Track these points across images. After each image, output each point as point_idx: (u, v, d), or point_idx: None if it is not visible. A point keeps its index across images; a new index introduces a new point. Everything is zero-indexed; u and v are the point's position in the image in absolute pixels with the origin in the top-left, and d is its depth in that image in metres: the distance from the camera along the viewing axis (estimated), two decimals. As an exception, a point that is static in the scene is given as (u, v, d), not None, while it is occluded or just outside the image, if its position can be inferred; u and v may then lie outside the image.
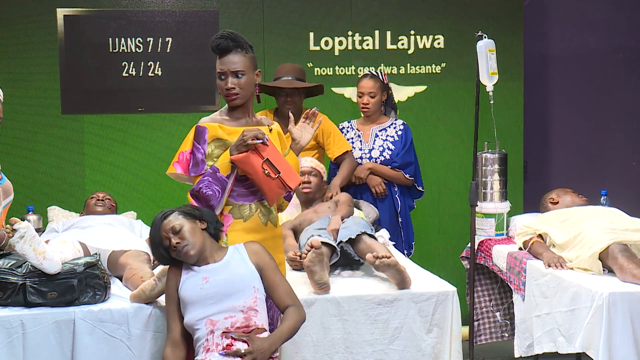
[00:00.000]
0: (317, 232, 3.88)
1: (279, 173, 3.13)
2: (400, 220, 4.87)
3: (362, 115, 4.97)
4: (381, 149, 4.86)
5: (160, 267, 3.28)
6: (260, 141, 3.11)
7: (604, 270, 3.75)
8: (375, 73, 4.90)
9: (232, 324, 2.96)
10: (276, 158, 3.15)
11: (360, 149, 4.90)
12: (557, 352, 3.79)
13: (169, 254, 3.09)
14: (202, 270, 3.06)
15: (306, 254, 3.46)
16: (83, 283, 3.23)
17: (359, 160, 4.88)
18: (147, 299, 3.28)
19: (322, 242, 3.72)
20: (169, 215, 3.08)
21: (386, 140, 4.87)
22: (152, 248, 3.14)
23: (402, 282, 3.57)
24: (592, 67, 6.25)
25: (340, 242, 3.85)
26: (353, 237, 3.82)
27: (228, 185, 3.17)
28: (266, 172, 3.11)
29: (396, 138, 4.87)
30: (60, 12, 5.34)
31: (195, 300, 3.00)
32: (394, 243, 4.58)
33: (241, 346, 2.91)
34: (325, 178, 4.63)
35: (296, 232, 4.26)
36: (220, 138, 3.21)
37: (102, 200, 4.56)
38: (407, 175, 4.85)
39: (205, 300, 2.99)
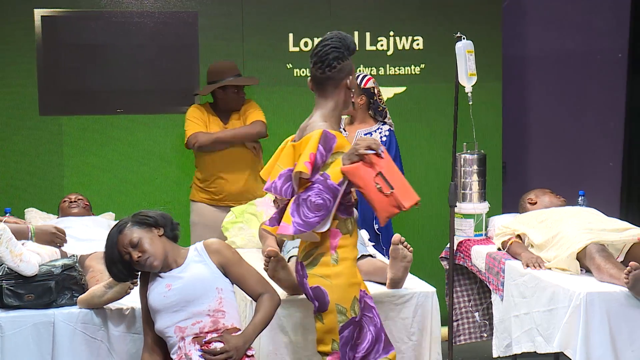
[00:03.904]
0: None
1: (392, 189, 2.87)
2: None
3: None
4: (360, 152, 4.83)
5: None
6: (374, 152, 2.87)
7: (581, 270, 3.78)
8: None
9: (201, 329, 2.95)
10: (391, 172, 2.89)
11: (342, 151, 4.87)
12: (535, 352, 3.82)
13: (127, 270, 3.04)
14: (166, 276, 3.04)
15: (267, 266, 3.32)
16: (60, 285, 3.22)
17: (340, 161, 4.85)
18: (97, 304, 3.23)
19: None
20: (123, 228, 3.01)
21: None
22: (109, 265, 3.03)
23: (400, 281, 3.53)
24: (570, 68, 6.29)
25: None
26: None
27: (339, 194, 2.90)
28: (378, 186, 2.86)
29: (379, 143, 4.84)
30: (38, 13, 5.29)
31: (160, 308, 2.99)
32: (373, 244, 4.59)
33: (217, 345, 2.92)
34: None
35: None
36: (343, 151, 2.95)
37: (75, 201, 4.54)
38: None
39: (170, 308, 2.98)
